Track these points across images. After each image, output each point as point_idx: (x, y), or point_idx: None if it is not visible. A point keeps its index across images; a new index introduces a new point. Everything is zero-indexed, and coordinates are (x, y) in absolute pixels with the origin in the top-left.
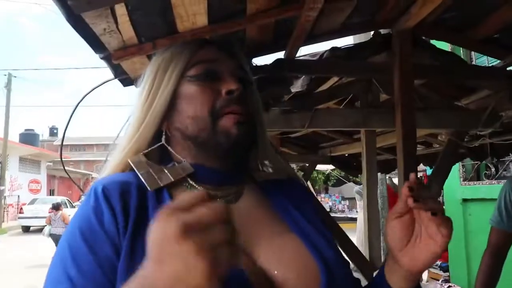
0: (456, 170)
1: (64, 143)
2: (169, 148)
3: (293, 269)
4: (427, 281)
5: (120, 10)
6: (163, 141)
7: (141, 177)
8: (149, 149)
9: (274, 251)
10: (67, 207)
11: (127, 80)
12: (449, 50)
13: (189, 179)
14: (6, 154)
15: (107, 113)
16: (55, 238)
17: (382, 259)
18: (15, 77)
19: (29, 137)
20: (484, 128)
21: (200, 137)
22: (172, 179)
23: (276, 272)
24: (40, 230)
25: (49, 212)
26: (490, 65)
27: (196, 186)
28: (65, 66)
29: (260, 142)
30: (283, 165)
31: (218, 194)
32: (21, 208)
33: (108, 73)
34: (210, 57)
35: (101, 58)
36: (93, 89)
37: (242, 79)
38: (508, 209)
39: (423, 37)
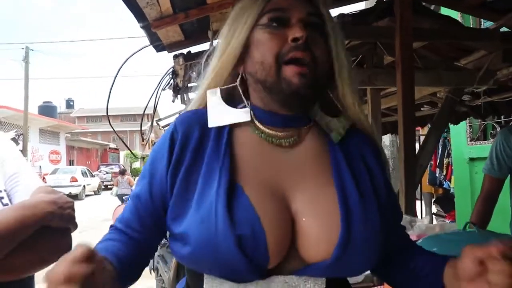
0: (464, 130)
1: (80, 114)
2: (239, 90)
3: (319, 222)
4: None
5: None
6: (237, 83)
7: (208, 113)
8: (224, 87)
9: (310, 202)
10: (87, 176)
11: (160, 46)
12: (447, 15)
13: (255, 120)
14: (27, 126)
15: (123, 84)
16: (121, 197)
17: None
18: (32, 50)
19: (47, 109)
20: (479, 86)
21: (267, 82)
22: (231, 122)
23: (304, 219)
24: None
25: (114, 176)
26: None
27: (260, 127)
28: (80, 39)
29: (339, 86)
30: (360, 117)
31: (280, 135)
32: (44, 178)
33: (121, 44)
34: (281, 5)
35: (141, 27)
36: (132, 55)
37: (313, 24)
38: (499, 158)
39: (424, 3)
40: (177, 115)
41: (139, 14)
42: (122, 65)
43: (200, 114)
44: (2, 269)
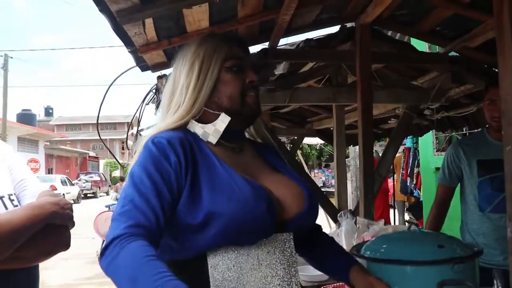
0: (430, 142)
1: (59, 122)
2: (211, 111)
3: (287, 192)
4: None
5: (148, 20)
6: (203, 108)
7: (202, 137)
8: (198, 116)
9: (272, 182)
10: (66, 184)
11: (144, 66)
12: (403, 41)
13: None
14: (6, 134)
15: (102, 92)
16: None
17: (349, 207)
18: (11, 58)
19: (26, 117)
20: (433, 103)
21: (232, 108)
22: (220, 133)
23: (277, 192)
24: None
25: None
26: None
27: (222, 141)
28: (57, 45)
29: None
30: (264, 132)
31: (233, 146)
32: None
33: (101, 54)
34: (239, 55)
35: (129, 52)
36: (121, 75)
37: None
38: (450, 168)
39: (382, 30)
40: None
41: (128, 42)
42: (111, 85)
43: (181, 134)
44: (14, 259)
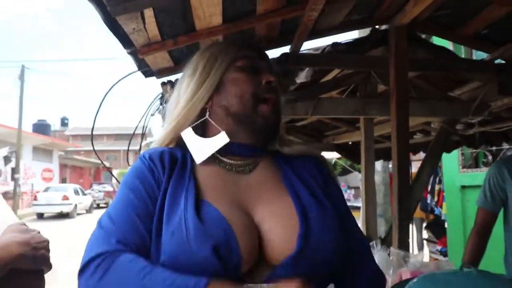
0: (456, 158)
1: (75, 133)
2: (212, 122)
3: (278, 224)
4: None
5: (148, 13)
6: (207, 116)
7: (191, 151)
8: (195, 123)
9: (270, 211)
10: (79, 194)
11: (148, 72)
12: (442, 46)
13: (216, 154)
14: (21, 143)
15: (117, 104)
16: None
17: (378, 234)
18: (28, 68)
19: (41, 127)
20: (473, 117)
21: (243, 115)
22: (213, 151)
23: (266, 224)
24: (53, 217)
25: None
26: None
27: (223, 159)
28: (73, 58)
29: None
30: (297, 145)
31: (240, 164)
32: (35, 196)
33: (116, 65)
34: (252, 55)
35: (128, 53)
36: (119, 80)
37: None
38: (492, 191)
39: (418, 33)
40: None
41: (125, 40)
42: (109, 91)
43: (165, 152)
44: None
